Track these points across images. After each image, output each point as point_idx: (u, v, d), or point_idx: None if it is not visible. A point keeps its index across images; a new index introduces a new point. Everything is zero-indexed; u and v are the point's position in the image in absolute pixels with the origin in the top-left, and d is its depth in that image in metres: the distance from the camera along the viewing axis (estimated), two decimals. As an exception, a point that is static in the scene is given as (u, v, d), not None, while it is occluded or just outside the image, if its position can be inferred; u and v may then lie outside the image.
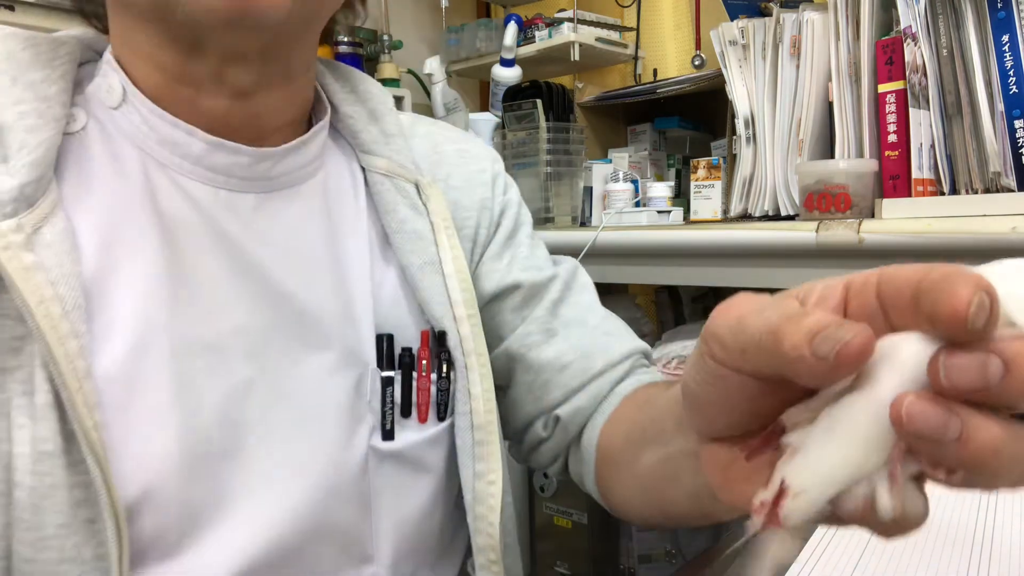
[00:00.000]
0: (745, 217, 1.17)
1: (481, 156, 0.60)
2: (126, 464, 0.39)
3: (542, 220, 1.38)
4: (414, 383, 0.49)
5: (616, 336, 0.58)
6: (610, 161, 1.45)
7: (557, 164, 1.36)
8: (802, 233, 0.94)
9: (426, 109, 1.70)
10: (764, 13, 1.17)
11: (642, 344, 0.59)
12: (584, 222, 1.42)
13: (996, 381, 0.21)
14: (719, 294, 1.49)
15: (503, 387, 0.58)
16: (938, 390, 0.22)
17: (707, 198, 1.23)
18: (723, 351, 0.26)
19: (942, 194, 0.94)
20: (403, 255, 0.50)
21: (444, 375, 0.50)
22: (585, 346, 0.56)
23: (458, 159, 0.58)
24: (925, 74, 0.93)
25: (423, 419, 0.49)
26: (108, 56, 0.45)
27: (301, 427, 0.45)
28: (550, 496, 1.40)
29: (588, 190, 1.42)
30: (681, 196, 1.44)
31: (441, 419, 0.50)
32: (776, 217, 1.12)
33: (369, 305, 0.49)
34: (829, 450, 0.24)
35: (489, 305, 0.57)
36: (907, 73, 0.95)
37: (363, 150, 0.53)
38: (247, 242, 0.45)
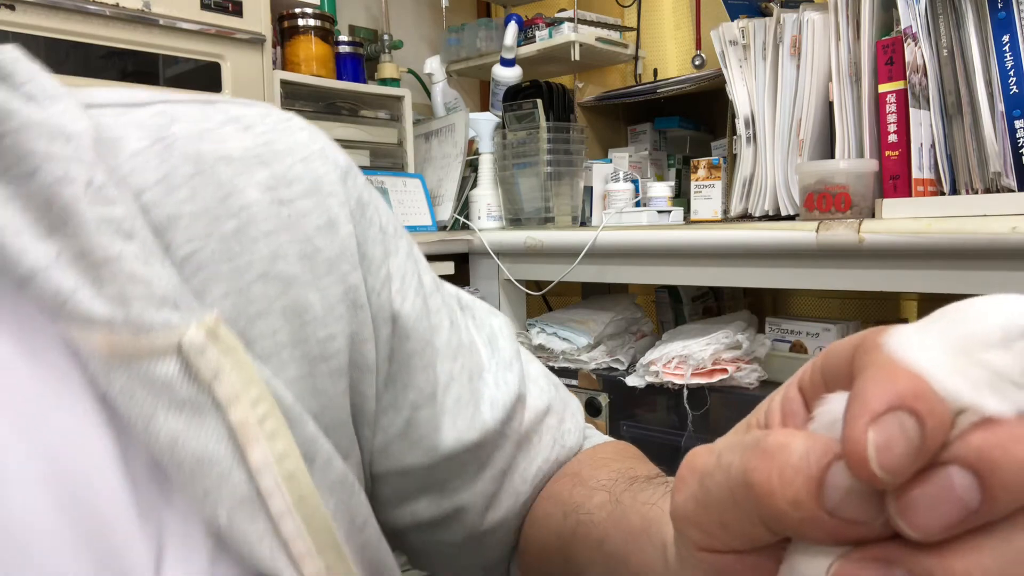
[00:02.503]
0: (745, 217, 1.17)
1: (318, 187, 0.33)
2: None
3: (542, 220, 1.38)
4: None
5: (557, 443, 0.43)
6: (610, 161, 1.45)
7: (557, 164, 1.36)
8: (802, 233, 0.94)
9: (426, 109, 1.70)
10: (764, 13, 1.17)
11: (579, 417, 0.45)
12: (584, 222, 1.42)
13: (975, 503, 0.15)
14: (719, 294, 1.49)
15: (426, 534, 0.41)
16: (909, 537, 0.16)
17: (707, 198, 1.23)
18: (702, 534, 0.19)
19: (942, 194, 0.94)
20: (197, 501, 0.27)
21: None
22: (536, 476, 0.41)
23: (276, 207, 0.31)
24: (925, 74, 0.93)
25: None
26: None
27: None
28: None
29: (588, 190, 1.42)
30: (681, 196, 1.44)
31: None
32: (776, 217, 1.13)
33: None
34: None
35: (434, 464, 0.38)
36: (907, 73, 0.95)
37: (55, 315, 0.25)
38: None
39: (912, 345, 0.16)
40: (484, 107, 1.77)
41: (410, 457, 0.37)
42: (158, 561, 0.26)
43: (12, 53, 0.28)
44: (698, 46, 1.53)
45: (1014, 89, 0.87)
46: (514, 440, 0.40)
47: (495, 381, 0.40)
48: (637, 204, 1.30)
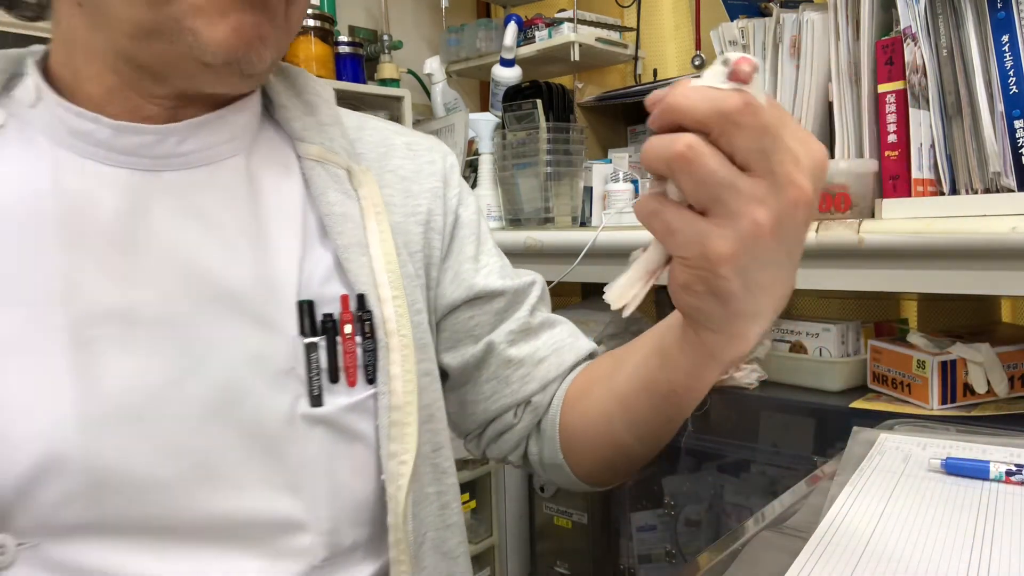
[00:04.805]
0: (745, 217, 1.16)
1: (433, 149, 0.63)
2: (18, 428, 0.42)
3: (542, 220, 1.38)
4: (339, 347, 0.49)
5: (579, 337, 0.65)
6: (610, 161, 1.45)
7: (557, 164, 1.36)
8: (802, 233, 0.94)
9: (426, 109, 1.70)
10: (764, 13, 1.17)
11: (595, 345, 0.67)
12: (584, 222, 1.42)
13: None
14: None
15: (471, 381, 0.62)
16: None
17: (707, 198, 1.23)
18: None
19: (942, 194, 0.94)
20: (333, 236, 0.52)
21: (368, 335, 0.50)
22: (556, 344, 0.63)
23: (407, 151, 0.61)
24: (925, 74, 0.93)
25: (352, 382, 0.50)
26: (30, 60, 0.50)
27: (215, 397, 0.45)
28: (550, 496, 1.40)
29: (588, 190, 1.42)
30: (681, 196, 1.43)
31: (371, 382, 0.50)
32: (776, 217, 1.12)
33: (293, 279, 0.49)
34: None
35: (471, 304, 0.61)
36: (907, 73, 0.95)
37: (297, 137, 0.55)
38: (159, 218, 0.47)
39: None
40: (484, 107, 1.77)
41: (456, 293, 0.60)
42: (300, 264, 0.50)
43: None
44: (698, 46, 1.53)
45: (1014, 89, 0.87)
46: (528, 306, 0.63)
47: (518, 276, 0.64)
48: (637, 204, 1.30)
